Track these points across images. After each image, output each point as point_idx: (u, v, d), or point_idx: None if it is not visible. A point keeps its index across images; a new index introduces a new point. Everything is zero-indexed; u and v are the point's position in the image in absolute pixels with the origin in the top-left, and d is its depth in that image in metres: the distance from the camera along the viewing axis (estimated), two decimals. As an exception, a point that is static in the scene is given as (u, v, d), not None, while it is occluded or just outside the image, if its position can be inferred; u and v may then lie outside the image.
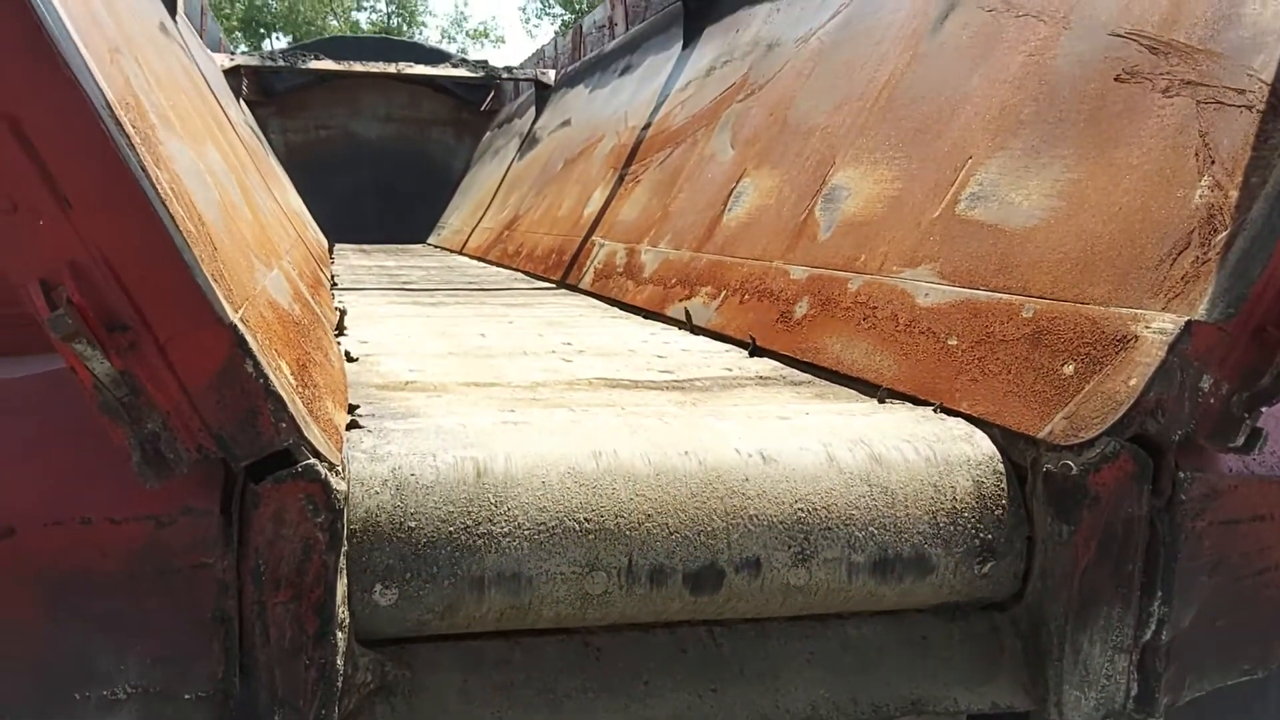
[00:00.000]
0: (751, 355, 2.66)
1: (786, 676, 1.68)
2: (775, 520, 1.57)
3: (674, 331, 3.20)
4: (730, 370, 2.40)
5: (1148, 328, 1.60)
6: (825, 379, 2.32)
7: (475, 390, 2.12)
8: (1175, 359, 1.52)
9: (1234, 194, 1.62)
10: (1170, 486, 1.54)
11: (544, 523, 1.50)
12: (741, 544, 1.56)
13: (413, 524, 1.46)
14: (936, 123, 2.67)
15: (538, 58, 10.30)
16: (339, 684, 1.42)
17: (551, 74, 9.39)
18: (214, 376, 1.30)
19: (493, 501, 1.48)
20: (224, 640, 1.36)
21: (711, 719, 1.61)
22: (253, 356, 1.31)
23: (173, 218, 1.27)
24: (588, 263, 4.88)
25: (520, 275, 5.83)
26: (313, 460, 1.35)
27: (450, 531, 1.46)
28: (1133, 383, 1.54)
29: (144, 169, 1.25)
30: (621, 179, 5.23)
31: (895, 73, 3.06)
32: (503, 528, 1.48)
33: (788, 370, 2.41)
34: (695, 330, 3.13)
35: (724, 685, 1.64)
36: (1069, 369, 1.75)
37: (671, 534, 1.54)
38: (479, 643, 1.60)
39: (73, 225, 1.25)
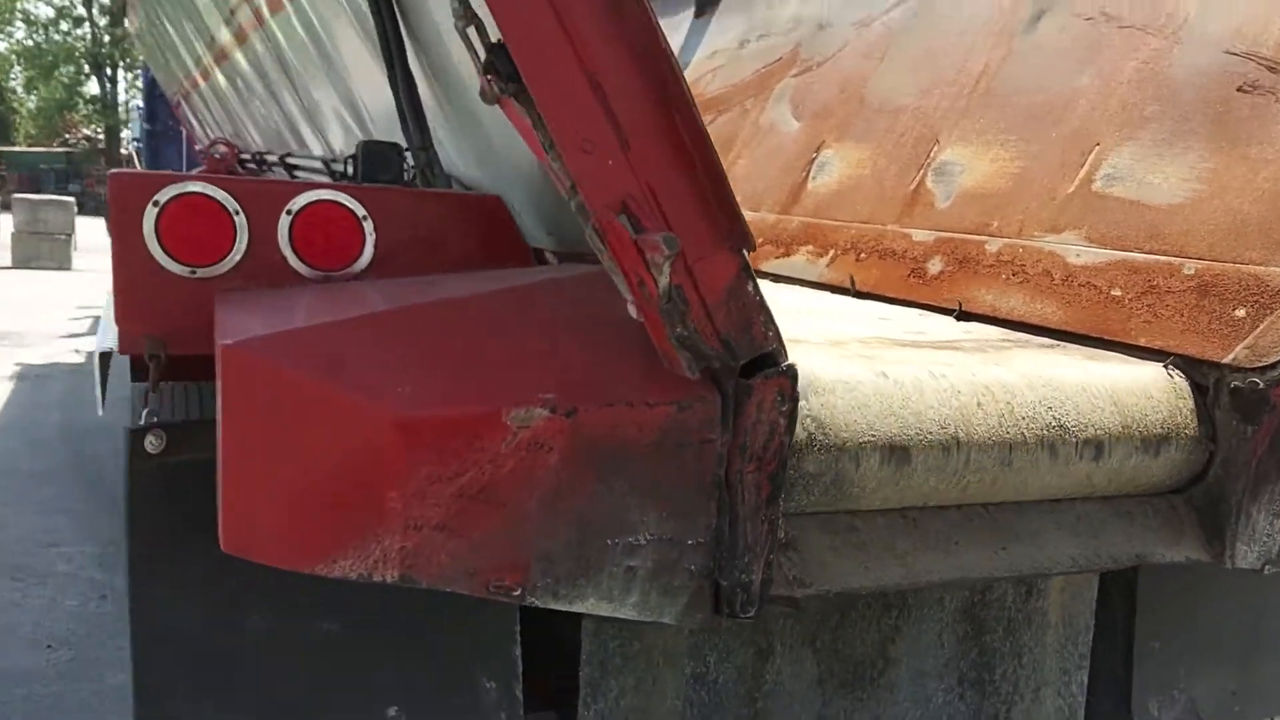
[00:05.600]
0: (959, 319, 2.98)
1: (1046, 538, 2.19)
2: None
3: (831, 296, 3.47)
4: (969, 333, 2.77)
5: (1308, 284, 2.17)
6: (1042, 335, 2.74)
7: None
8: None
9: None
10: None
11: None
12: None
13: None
14: (1050, 113, 3.19)
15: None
16: (777, 537, 1.85)
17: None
18: (725, 292, 1.70)
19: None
20: (718, 499, 1.77)
21: (1008, 568, 2.11)
22: (753, 277, 1.72)
23: (707, 159, 1.65)
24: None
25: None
26: (792, 361, 1.76)
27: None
28: (1305, 321, 2.11)
29: (686, 118, 1.63)
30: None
31: (990, 65, 3.57)
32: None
33: (1013, 334, 2.76)
34: (860, 295, 3.47)
35: (1010, 544, 2.14)
36: (1240, 312, 2.31)
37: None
38: (833, 516, 2.05)
39: (630, 164, 1.62)
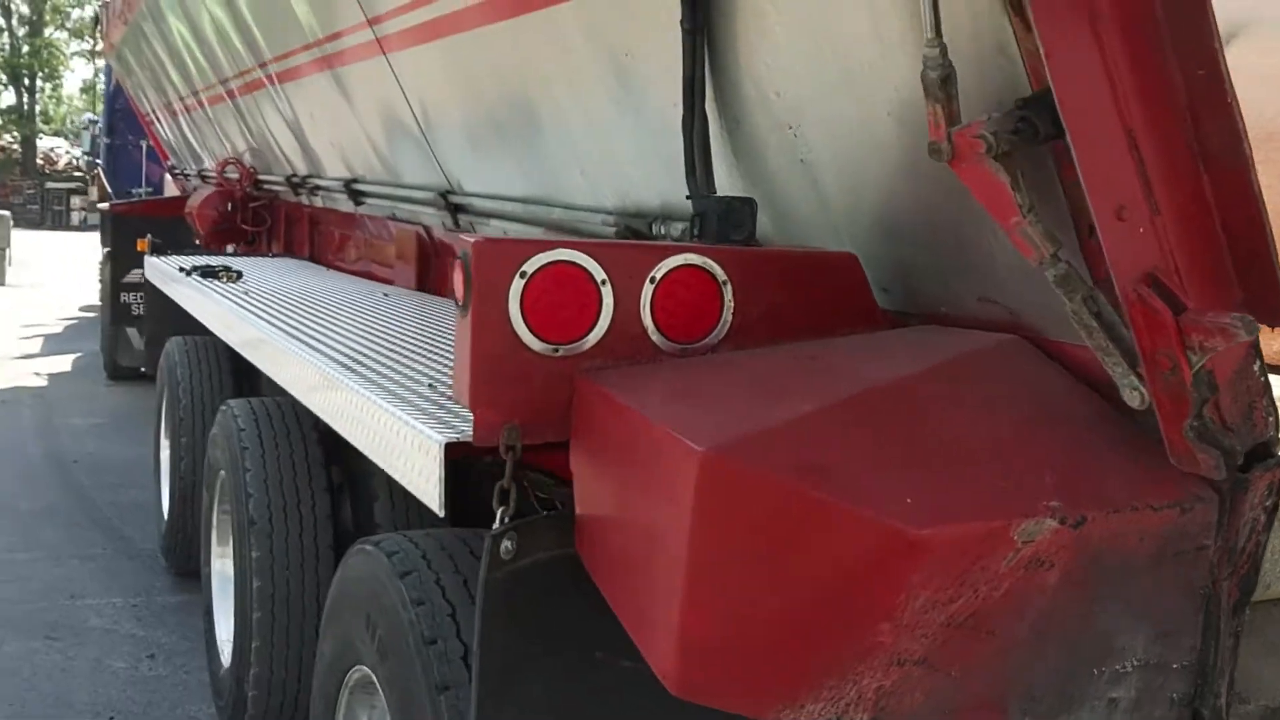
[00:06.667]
0: None
1: None
2: None
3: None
4: None
5: None
6: None
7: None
8: None
9: None
10: None
11: None
12: None
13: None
14: None
15: None
16: (1238, 651, 1.59)
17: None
18: (1233, 374, 1.45)
19: None
20: (1203, 613, 1.50)
21: None
22: (1260, 357, 1.46)
23: (1247, 221, 1.40)
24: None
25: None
26: (1290, 450, 1.51)
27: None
28: None
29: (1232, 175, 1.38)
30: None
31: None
32: None
33: None
34: None
35: None
36: None
37: None
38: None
39: (1156, 233, 1.38)
